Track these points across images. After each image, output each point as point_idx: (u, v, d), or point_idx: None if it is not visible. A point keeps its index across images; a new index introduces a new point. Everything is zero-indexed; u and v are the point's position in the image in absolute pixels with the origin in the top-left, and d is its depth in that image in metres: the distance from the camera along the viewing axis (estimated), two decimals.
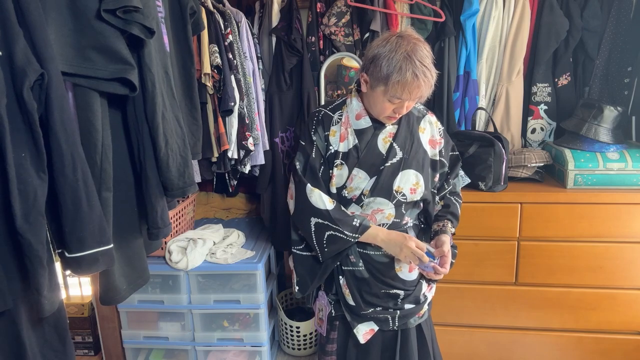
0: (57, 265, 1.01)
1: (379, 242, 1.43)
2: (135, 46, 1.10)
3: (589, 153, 1.89)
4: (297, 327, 2.26)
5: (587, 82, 2.15)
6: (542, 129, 2.20)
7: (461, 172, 1.92)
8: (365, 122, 1.44)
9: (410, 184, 1.44)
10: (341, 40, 2.17)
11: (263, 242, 2.25)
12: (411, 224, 1.52)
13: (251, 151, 1.99)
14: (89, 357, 2.32)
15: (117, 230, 1.17)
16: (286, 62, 2.11)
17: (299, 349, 2.32)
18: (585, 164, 1.87)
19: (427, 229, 1.58)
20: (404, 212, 1.48)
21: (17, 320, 0.96)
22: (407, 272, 1.47)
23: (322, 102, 2.20)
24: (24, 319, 0.98)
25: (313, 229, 1.44)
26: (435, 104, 2.15)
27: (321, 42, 2.19)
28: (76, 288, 2.41)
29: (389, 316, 1.49)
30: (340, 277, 1.52)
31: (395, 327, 1.50)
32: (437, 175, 1.52)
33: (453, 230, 1.53)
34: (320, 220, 1.42)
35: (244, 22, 2.01)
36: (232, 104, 1.85)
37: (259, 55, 2.15)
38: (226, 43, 1.88)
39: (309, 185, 1.45)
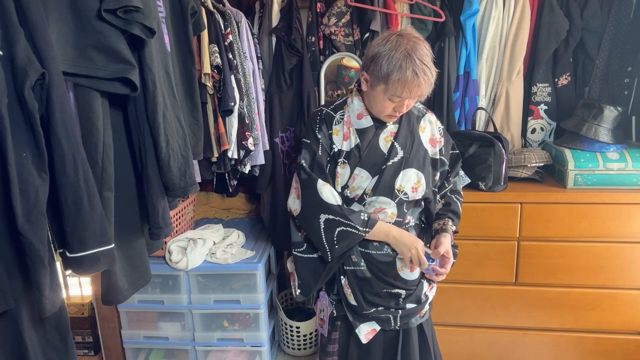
0: (58, 265, 1.01)
1: (390, 239, 1.43)
2: (136, 46, 1.09)
3: (589, 153, 1.90)
4: (297, 327, 2.26)
5: (587, 82, 2.15)
6: (542, 129, 2.20)
7: (461, 172, 1.92)
8: (367, 122, 1.45)
9: (412, 182, 1.44)
10: (341, 40, 2.17)
11: (263, 242, 2.25)
12: (413, 224, 1.53)
13: (251, 151, 1.99)
14: (89, 357, 2.31)
15: (119, 230, 1.17)
16: (286, 62, 2.11)
17: (299, 349, 2.32)
18: (585, 164, 1.88)
19: (427, 228, 1.59)
20: (406, 211, 1.48)
21: (18, 320, 0.96)
22: (409, 272, 1.47)
23: (322, 102, 2.20)
24: (26, 318, 0.98)
25: (323, 226, 1.43)
26: (435, 104, 2.15)
27: (321, 42, 2.19)
28: (76, 288, 2.40)
29: (390, 316, 1.49)
30: (342, 277, 1.52)
31: (396, 327, 1.50)
32: (438, 174, 1.52)
33: (454, 228, 1.54)
34: (330, 217, 1.42)
35: (244, 22, 2.01)
36: (232, 104, 1.85)
37: (259, 55, 2.15)
38: (226, 43, 1.88)
39: (320, 180, 1.44)
